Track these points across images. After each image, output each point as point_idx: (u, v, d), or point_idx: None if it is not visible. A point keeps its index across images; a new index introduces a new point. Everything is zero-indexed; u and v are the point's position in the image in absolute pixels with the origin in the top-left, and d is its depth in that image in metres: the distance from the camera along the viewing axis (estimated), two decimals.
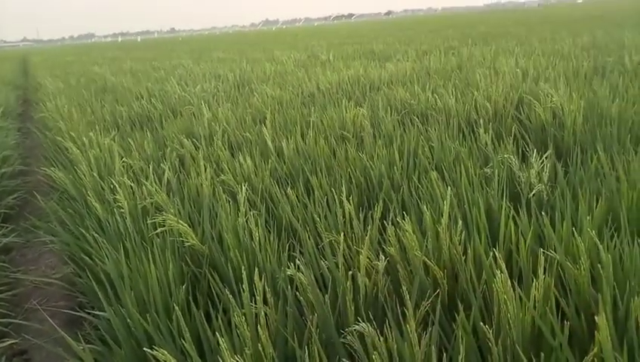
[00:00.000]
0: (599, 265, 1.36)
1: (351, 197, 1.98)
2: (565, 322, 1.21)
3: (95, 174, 2.97)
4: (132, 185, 2.60)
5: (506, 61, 6.07)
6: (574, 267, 1.40)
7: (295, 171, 2.84)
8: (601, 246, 1.38)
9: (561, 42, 8.10)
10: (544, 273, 1.32)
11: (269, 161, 2.91)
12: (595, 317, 1.10)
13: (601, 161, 2.23)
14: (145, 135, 3.98)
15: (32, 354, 2.01)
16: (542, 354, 1.19)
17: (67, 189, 3.16)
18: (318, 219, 2.00)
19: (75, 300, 2.28)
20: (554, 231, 1.63)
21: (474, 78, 4.90)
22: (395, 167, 2.56)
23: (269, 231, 1.96)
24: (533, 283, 1.28)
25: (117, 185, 2.51)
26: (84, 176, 2.96)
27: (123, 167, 3.10)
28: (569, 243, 1.58)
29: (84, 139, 3.73)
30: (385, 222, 1.83)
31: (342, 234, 1.66)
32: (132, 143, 3.66)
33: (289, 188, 2.35)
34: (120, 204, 2.33)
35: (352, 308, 1.43)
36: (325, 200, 2.18)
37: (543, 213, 1.72)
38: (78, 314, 2.03)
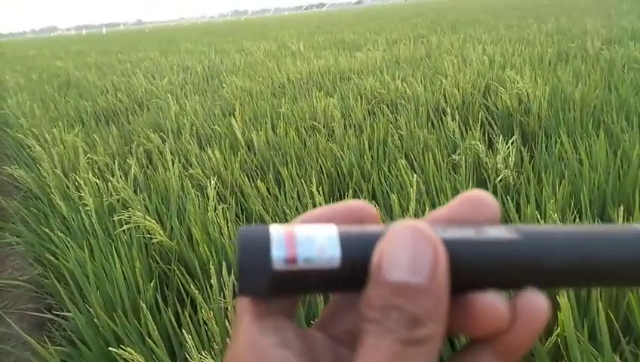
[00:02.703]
0: None
1: (321, 188, 1.98)
2: None
3: (59, 171, 2.88)
4: (97, 181, 2.54)
5: (473, 49, 6.14)
6: None
7: (265, 163, 2.82)
8: None
9: (527, 29, 8.23)
10: None
11: (239, 153, 2.87)
12: (557, 297, 1.13)
13: (565, 145, 2.29)
14: (110, 130, 3.88)
15: (1, 359, 1.96)
16: None
17: (30, 188, 3.06)
18: (289, 211, 1.99)
19: (43, 302, 2.22)
20: (519, 216, 1.67)
21: (442, 65, 4.94)
22: (365, 157, 2.56)
23: (239, 225, 1.95)
24: None
25: (82, 182, 2.44)
26: (48, 174, 2.88)
27: (88, 163, 3.02)
28: None
29: (47, 135, 3.62)
30: None
31: None
32: (97, 139, 3.57)
33: (259, 181, 2.34)
34: (85, 202, 2.27)
35: (322, 298, 1.43)
36: (296, 191, 2.17)
37: (508, 198, 1.75)
38: (45, 316, 1.98)
